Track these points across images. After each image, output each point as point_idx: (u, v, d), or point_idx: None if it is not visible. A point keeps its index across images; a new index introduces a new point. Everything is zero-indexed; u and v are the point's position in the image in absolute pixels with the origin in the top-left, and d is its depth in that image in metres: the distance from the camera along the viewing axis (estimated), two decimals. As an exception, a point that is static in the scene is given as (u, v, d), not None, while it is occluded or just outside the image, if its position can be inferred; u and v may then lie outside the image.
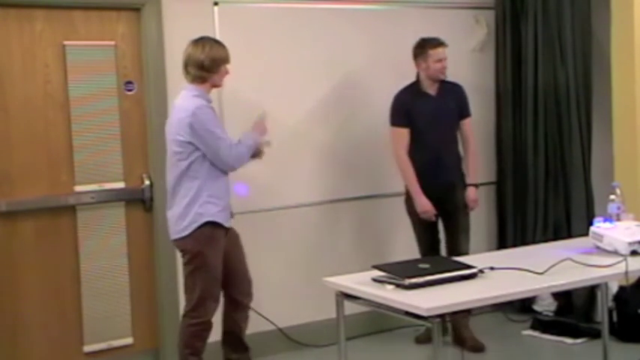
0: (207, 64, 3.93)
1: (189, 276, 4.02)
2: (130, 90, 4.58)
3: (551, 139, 5.37)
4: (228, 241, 4.10)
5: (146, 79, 4.57)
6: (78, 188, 4.44)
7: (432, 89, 4.77)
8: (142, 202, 4.59)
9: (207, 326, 4.06)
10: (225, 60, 4.00)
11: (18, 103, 4.29)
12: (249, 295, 4.24)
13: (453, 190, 4.82)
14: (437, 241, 4.89)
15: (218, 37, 4.59)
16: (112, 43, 4.51)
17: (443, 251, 4.88)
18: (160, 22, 4.54)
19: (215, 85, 4.05)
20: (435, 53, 4.67)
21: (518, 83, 5.53)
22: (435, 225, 4.84)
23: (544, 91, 5.38)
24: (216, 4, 4.68)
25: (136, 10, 4.54)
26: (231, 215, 4.13)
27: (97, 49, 4.46)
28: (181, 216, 3.94)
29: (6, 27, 4.26)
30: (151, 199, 4.57)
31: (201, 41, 3.99)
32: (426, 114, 4.72)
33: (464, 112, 4.87)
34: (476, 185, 4.87)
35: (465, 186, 4.84)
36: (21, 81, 4.30)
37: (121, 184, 4.55)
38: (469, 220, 4.90)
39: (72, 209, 4.43)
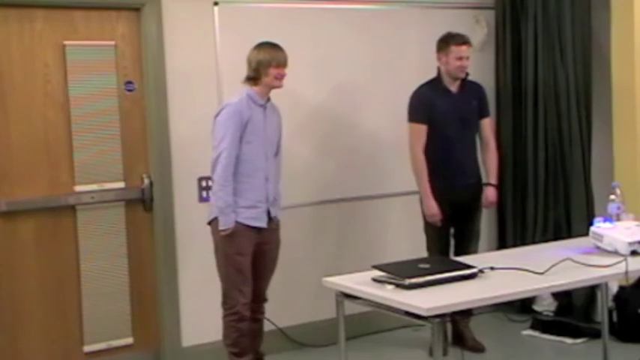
0: (252, 66, 4.09)
1: (217, 265, 4.15)
2: (130, 90, 4.58)
3: (551, 139, 5.37)
4: (262, 241, 4.13)
5: (146, 79, 4.57)
6: (78, 188, 4.44)
7: (453, 86, 4.68)
8: (142, 202, 4.59)
9: (238, 317, 4.08)
10: (271, 63, 4.06)
11: (18, 103, 4.29)
12: (258, 301, 4.23)
13: (471, 192, 4.75)
14: (449, 245, 4.78)
15: (218, 37, 4.61)
16: (112, 43, 4.51)
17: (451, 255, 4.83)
18: (160, 22, 4.54)
19: (273, 87, 4.13)
20: (458, 50, 4.58)
21: (518, 83, 5.53)
22: (448, 229, 4.75)
23: (544, 91, 5.38)
24: (216, 4, 4.69)
25: (136, 10, 4.54)
26: (270, 216, 4.13)
27: (97, 49, 4.46)
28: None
29: (6, 27, 4.26)
30: (151, 199, 4.57)
31: (258, 45, 4.13)
32: (447, 111, 4.62)
33: (484, 112, 4.82)
34: (496, 186, 4.82)
35: (480, 188, 4.77)
36: (21, 81, 4.30)
37: (121, 184, 4.55)
38: (480, 225, 4.87)
39: (72, 209, 4.43)
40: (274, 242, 4.25)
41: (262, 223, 4.10)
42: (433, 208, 4.60)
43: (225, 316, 4.12)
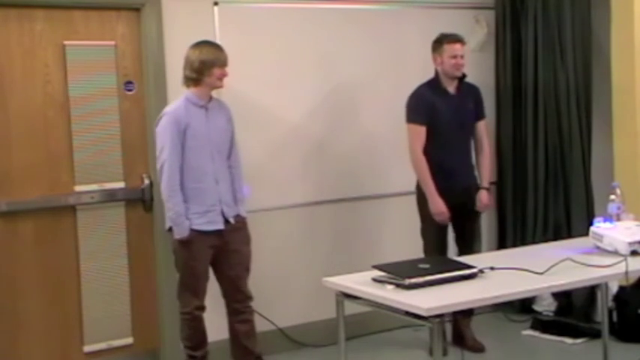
0: (194, 67, 4.03)
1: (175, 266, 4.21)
2: (130, 90, 4.58)
3: (551, 139, 5.37)
4: (224, 242, 4.12)
5: (146, 79, 4.57)
6: (78, 188, 4.44)
7: (451, 87, 4.68)
8: (142, 202, 4.59)
9: (191, 317, 4.16)
10: (214, 63, 4.03)
11: (18, 103, 4.29)
12: (239, 301, 4.24)
13: (470, 194, 4.75)
14: (446, 248, 4.76)
15: (218, 37, 4.60)
16: (112, 43, 4.51)
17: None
18: (160, 22, 4.54)
19: (214, 88, 4.10)
20: (451, 49, 4.59)
21: (518, 83, 5.53)
22: (446, 229, 4.73)
23: (544, 91, 5.38)
24: (216, 4, 4.68)
25: (136, 10, 4.54)
26: (225, 218, 4.11)
27: (97, 49, 4.46)
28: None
29: (6, 27, 4.26)
30: (151, 199, 4.57)
31: (197, 45, 4.08)
32: (446, 112, 4.62)
33: (479, 113, 4.82)
34: (489, 189, 4.82)
35: (478, 189, 4.78)
36: (21, 81, 4.30)
37: (121, 184, 4.55)
38: (481, 226, 4.86)
39: (72, 209, 4.43)
40: (240, 240, 4.20)
41: (218, 226, 4.08)
42: (440, 206, 4.58)
43: (180, 314, 4.21)
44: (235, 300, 4.24)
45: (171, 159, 3.97)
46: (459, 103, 4.69)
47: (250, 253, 4.27)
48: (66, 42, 4.38)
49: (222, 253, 4.14)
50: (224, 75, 4.07)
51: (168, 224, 4.09)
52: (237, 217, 4.18)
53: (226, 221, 4.11)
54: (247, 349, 4.26)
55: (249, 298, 4.27)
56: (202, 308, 4.18)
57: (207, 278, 4.18)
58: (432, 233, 4.69)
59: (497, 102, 5.62)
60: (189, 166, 4.02)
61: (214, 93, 4.20)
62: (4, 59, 4.26)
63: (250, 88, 4.73)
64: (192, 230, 4.02)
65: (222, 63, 4.06)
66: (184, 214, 3.99)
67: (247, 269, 4.26)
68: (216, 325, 4.29)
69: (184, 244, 4.04)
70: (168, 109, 4.07)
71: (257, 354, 4.31)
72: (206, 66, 4.02)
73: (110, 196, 4.51)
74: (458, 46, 4.61)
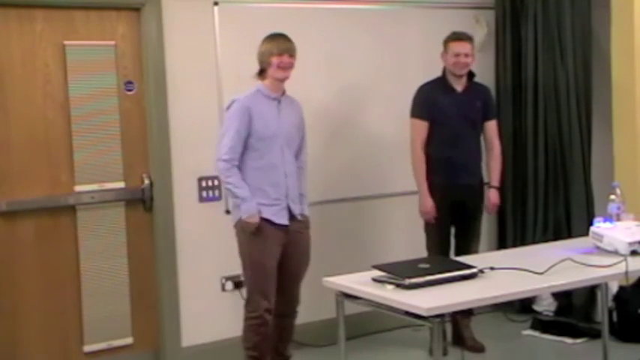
0: (258, 59, 4.04)
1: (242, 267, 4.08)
2: (130, 90, 4.58)
3: (551, 139, 5.37)
4: (290, 242, 4.04)
5: (146, 79, 4.57)
6: (78, 188, 4.44)
7: (458, 85, 4.67)
8: (142, 202, 4.59)
9: (260, 322, 3.98)
10: (272, 52, 3.99)
11: (18, 103, 4.29)
12: (289, 304, 4.16)
13: (473, 193, 4.74)
14: (449, 245, 4.75)
15: (218, 37, 4.61)
16: (112, 43, 4.51)
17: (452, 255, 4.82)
18: (160, 22, 4.53)
19: (275, 78, 4.04)
20: (454, 46, 4.59)
21: (518, 83, 5.53)
22: (449, 227, 4.74)
23: (544, 91, 5.38)
24: (216, 4, 4.68)
25: (136, 10, 4.54)
26: (291, 212, 4.02)
27: (97, 49, 4.46)
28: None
29: (6, 27, 4.26)
30: (151, 199, 4.57)
31: (264, 38, 4.06)
32: (450, 109, 4.61)
33: (489, 114, 4.81)
34: (499, 188, 4.81)
35: (482, 189, 4.77)
36: (21, 81, 4.30)
37: (121, 184, 4.55)
38: (481, 226, 4.86)
39: (72, 209, 4.43)
40: (307, 242, 4.13)
41: (284, 220, 3.99)
42: (428, 205, 4.59)
43: (246, 319, 4.03)
44: (284, 302, 4.11)
45: (232, 143, 3.88)
46: (465, 101, 4.68)
47: (309, 256, 4.18)
48: (66, 42, 4.38)
49: (285, 252, 4.03)
50: (282, 63, 3.99)
51: (235, 217, 3.97)
52: (304, 215, 4.12)
53: (291, 218, 4.03)
54: (279, 352, 4.20)
55: (298, 302, 4.20)
56: (271, 311, 4.01)
57: (275, 277, 4.01)
58: (435, 231, 4.70)
59: (497, 102, 5.61)
60: (258, 155, 3.95)
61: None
62: (4, 59, 4.26)
63: (250, 89, 4.72)
64: (262, 219, 3.91)
65: (281, 51, 3.98)
66: (249, 195, 3.88)
67: (305, 271, 4.19)
68: (216, 325, 4.29)
69: (253, 235, 3.91)
70: (239, 96, 4.01)
71: (287, 356, 4.26)
72: (264, 56, 4.01)
73: (110, 196, 4.51)
74: (460, 44, 4.60)
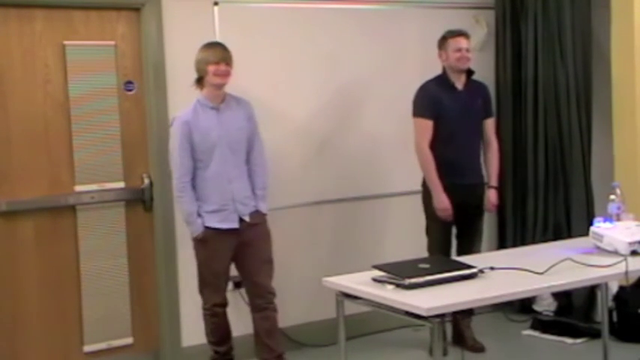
0: (195, 68, 4.12)
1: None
2: (130, 90, 4.58)
3: (551, 139, 5.37)
4: (243, 241, 4.17)
5: (146, 79, 4.57)
6: (78, 188, 4.44)
7: (458, 83, 4.67)
8: (142, 202, 4.59)
9: (211, 312, 4.23)
10: (208, 60, 4.06)
11: (18, 103, 4.29)
12: (261, 296, 4.25)
13: (476, 192, 4.74)
14: (450, 246, 4.74)
15: (218, 37, 4.60)
16: (112, 42, 4.51)
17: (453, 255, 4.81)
18: (160, 22, 4.53)
19: (212, 84, 4.10)
20: (455, 42, 4.59)
21: (518, 83, 5.53)
22: (451, 227, 4.72)
23: (544, 91, 5.38)
24: (216, 4, 4.68)
25: (136, 10, 4.54)
26: (240, 217, 4.15)
27: (97, 49, 4.46)
28: None
29: (6, 27, 4.26)
30: (151, 199, 4.57)
31: (200, 47, 4.16)
32: (453, 107, 4.60)
33: (488, 112, 4.81)
34: (497, 188, 4.81)
35: (484, 188, 4.77)
36: (21, 81, 4.30)
37: (121, 184, 4.55)
38: (484, 225, 4.86)
39: (72, 209, 4.43)
40: (257, 235, 4.22)
41: (233, 224, 4.13)
42: (444, 202, 4.56)
43: (202, 309, 4.27)
44: (255, 295, 4.27)
45: (181, 160, 4.06)
46: (467, 99, 4.67)
47: (269, 248, 4.29)
48: (66, 42, 4.38)
49: (240, 250, 4.18)
50: (220, 71, 4.06)
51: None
52: (256, 212, 4.21)
53: (241, 220, 4.15)
54: (269, 347, 4.26)
55: (270, 293, 4.27)
56: (223, 305, 4.26)
57: (227, 276, 4.25)
58: (437, 231, 4.69)
59: (497, 102, 5.61)
60: (202, 166, 4.09)
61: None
62: (4, 59, 4.26)
63: (250, 89, 4.71)
64: (206, 228, 4.09)
65: (217, 59, 4.06)
66: (195, 212, 4.08)
67: (267, 263, 4.27)
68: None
69: (201, 242, 4.12)
70: (178, 113, 4.16)
71: (279, 352, 4.29)
72: (201, 64, 4.09)
73: (110, 196, 4.51)
74: (461, 39, 4.61)
